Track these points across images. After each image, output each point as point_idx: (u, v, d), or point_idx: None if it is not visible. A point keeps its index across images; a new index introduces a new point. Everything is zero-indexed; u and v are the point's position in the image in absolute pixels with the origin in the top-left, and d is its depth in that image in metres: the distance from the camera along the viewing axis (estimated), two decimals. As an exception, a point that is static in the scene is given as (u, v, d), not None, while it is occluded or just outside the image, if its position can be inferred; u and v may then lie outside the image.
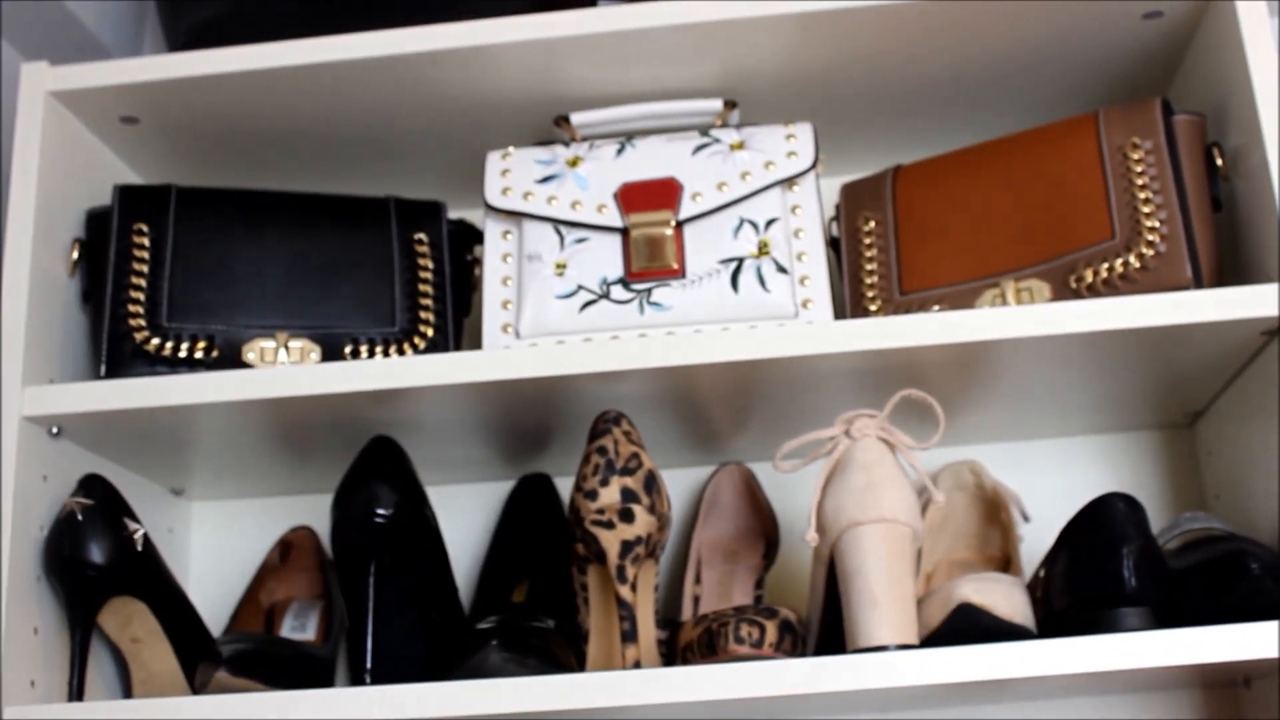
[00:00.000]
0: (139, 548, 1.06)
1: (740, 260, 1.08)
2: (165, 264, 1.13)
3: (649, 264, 1.08)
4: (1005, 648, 0.93)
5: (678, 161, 1.12)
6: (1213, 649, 0.92)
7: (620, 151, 1.13)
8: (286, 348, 1.11)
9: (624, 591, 0.99)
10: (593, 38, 1.11)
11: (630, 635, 0.98)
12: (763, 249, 1.09)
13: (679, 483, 1.28)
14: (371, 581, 1.06)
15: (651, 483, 1.01)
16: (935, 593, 0.99)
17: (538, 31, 1.11)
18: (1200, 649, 0.92)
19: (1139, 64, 1.19)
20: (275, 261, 1.14)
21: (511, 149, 1.15)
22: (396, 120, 1.20)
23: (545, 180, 1.12)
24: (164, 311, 1.11)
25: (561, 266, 1.10)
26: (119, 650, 1.12)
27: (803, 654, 1.01)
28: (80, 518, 1.04)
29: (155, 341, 1.10)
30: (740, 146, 1.12)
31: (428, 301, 1.15)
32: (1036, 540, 1.23)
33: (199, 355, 1.10)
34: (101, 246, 1.15)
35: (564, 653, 1.03)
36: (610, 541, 0.99)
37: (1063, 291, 1.05)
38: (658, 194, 1.10)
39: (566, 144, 1.15)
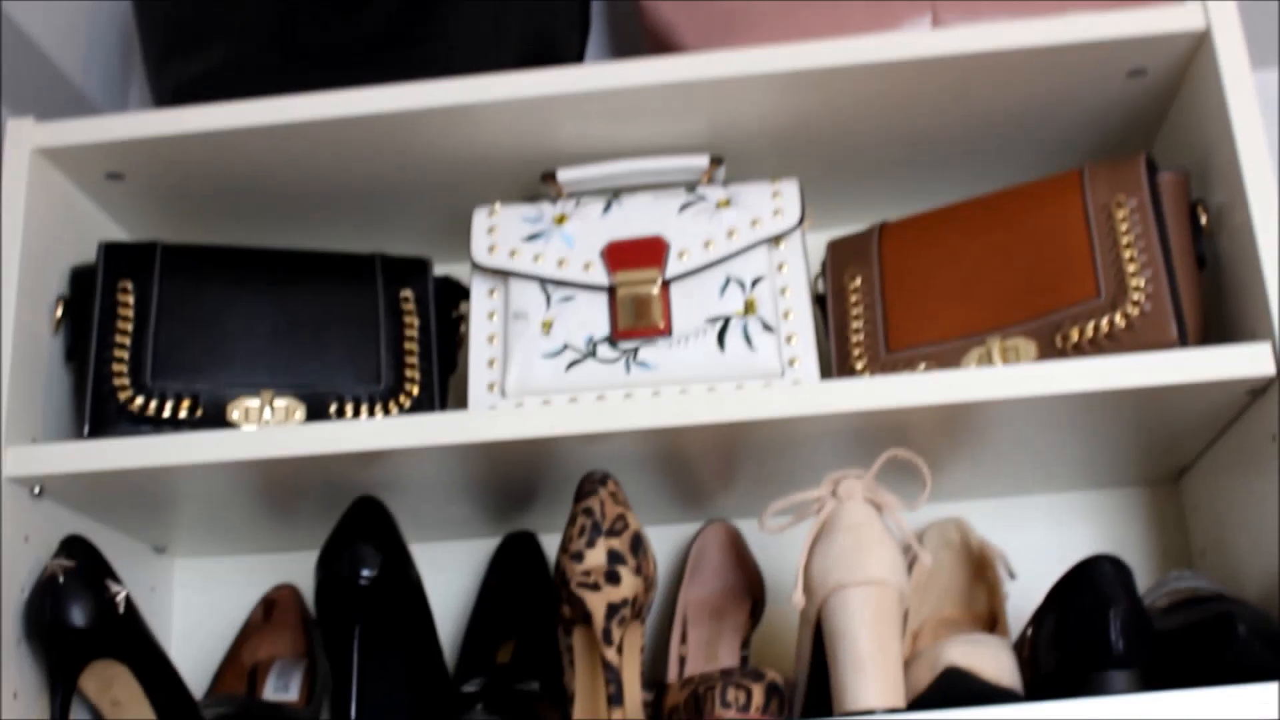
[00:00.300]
0: (121, 610, 1.05)
1: (727, 319, 1.08)
2: (150, 322, 1.12)
3: (635, 323, 1.08)
4: (993, 711, 0.92)
5: (664, 219, 1.12)
6: (1206, 710, 0.91)
7: (607, 209, 1.13)
8: (271, 406, 1.11)
9: (610, 654, 0.98)
10: (580, 96, 1.11)
11: (616, 699, 0.97)
12: (749, 307, 1.08)
13: (664, 540, 1.28)
14: (356, 644, 1.05)
15: (638, 544, 1.00)
16: (922, 655, 0.98)
17: (524, 89, 1.11)
18: (1193, 711, 0.91)
19: (1123, 120, 1.19)
20: (260, 319, 1.14)
21: (498, 206, 1.15)
22: (382, 176, 1.20)
23: (532, 238, 1.12)
24: (148, 370, 1.11)
25: (548, 325, 1.09)
26: (99, 713, 1.11)
27: (789, 717, 1.01)
28: (62, 580, 1.03)
29: (139, 401, 1.10)
30: (727, 204, 1.12)
31: (413, 359, 1.15)
32: (1023, 596, 1.22)
33: (183, 414, 1.10)
34: (86, 304, 1.14)
35: (550, 715, 1.02)
36: (596, 604, 0.99)
37: (1049, 350, 1.05)
38: (644, 252, 1.10)
39: (553, 200, 1.15)
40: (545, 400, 1.08)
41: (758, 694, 0.99)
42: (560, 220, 1.13)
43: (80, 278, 1.16)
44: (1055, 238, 1.08)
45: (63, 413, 1.16)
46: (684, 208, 1.12)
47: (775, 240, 1.12)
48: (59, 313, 1.15)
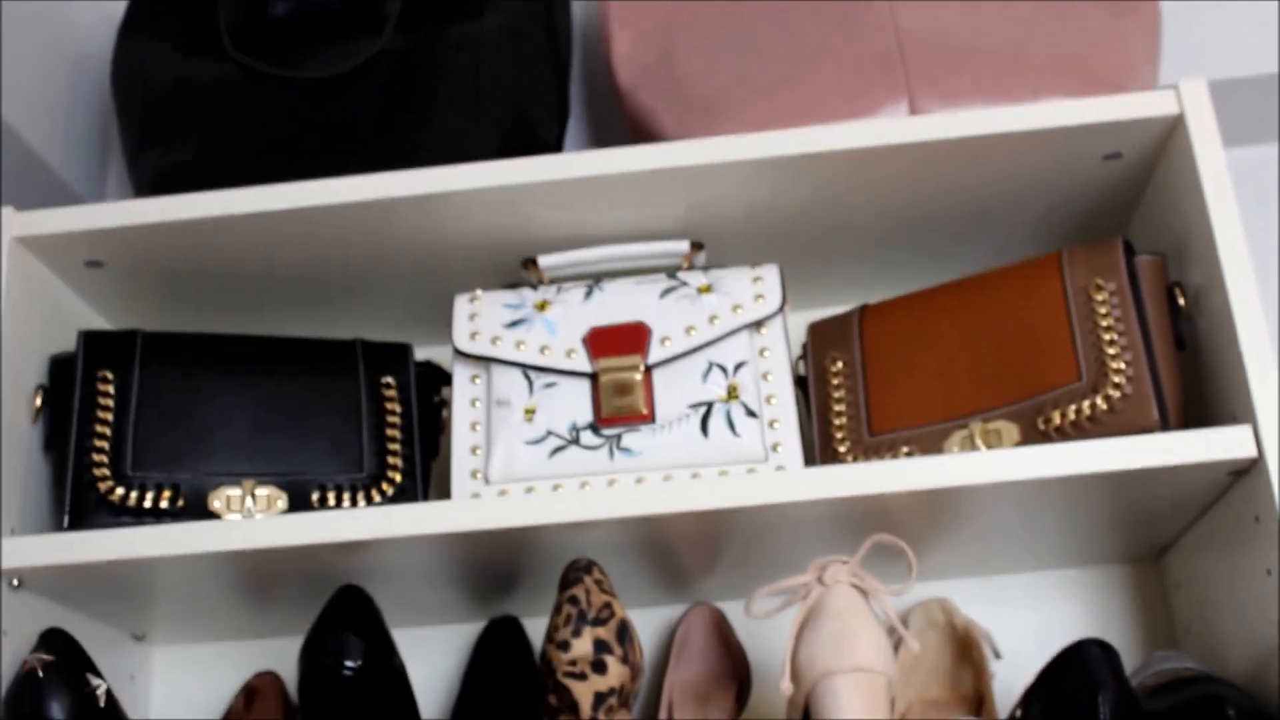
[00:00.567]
0: (101, 704, 1.04)
1: (710, 404, 1.08)
2: (130, 411, 1.12)
3: (619, 409, 1.08)
4: (984, 800, 0.92)
5: (646, 305, 1.12)
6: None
7: (588, 295, 1.13)
8: (253, 495, 1.10)
9: (597, 745, 0.97)
10: (560, 183, 1.11)
11: (604, 790, 0.97)
12: (732, 393, 1.09)
13: (648, 623, 1.27)
14: (340, 735, 1.04)
15: (624, 632, 1.00)
16: (912, 742, 0.98)
17: (504, 177, 1.11)
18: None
19: (1098, 202, 1.20)
20: (241, 407, 1.14)
21: (479, 292, 1.15)
22: (362, 263, 1.20)
23: (513, 325, 1.12)
24: (128, 460, 1.10)
25: (530, 412, 1.09)
26: (79, 808, 1.10)
27: (779, 805, 1.00)
28: (41, 675, 1.02)
29: (120, 491, 1.09)
30: (708, 289, 1.12)
31: (396, 446, 1.14)
32: (1009, 675, 1.22)
33: (164, 505, 1.09)
34: (65, 393, 1.14)
35: (536, 808, 1.01)
36: (583, 693, 0.98)
37: (1031, 433, 1.06)
38: (626, 338, 1.10)
39: (534, 286, 1.16)
40: (529, 487, 1.08)
41: (746, 784, 0.98)
42: (542, 307, 1.13)
43: (59, 366, 1.16)
44: (1035, 321, 1.09)
45: (41, 503, 1.15)
46: (665, 293, 1.12)
47: (757, 325, 1.12)
48: (38, 402, 1.14)
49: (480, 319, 1.13)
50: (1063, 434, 1.04)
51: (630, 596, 1.24)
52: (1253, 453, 1.00)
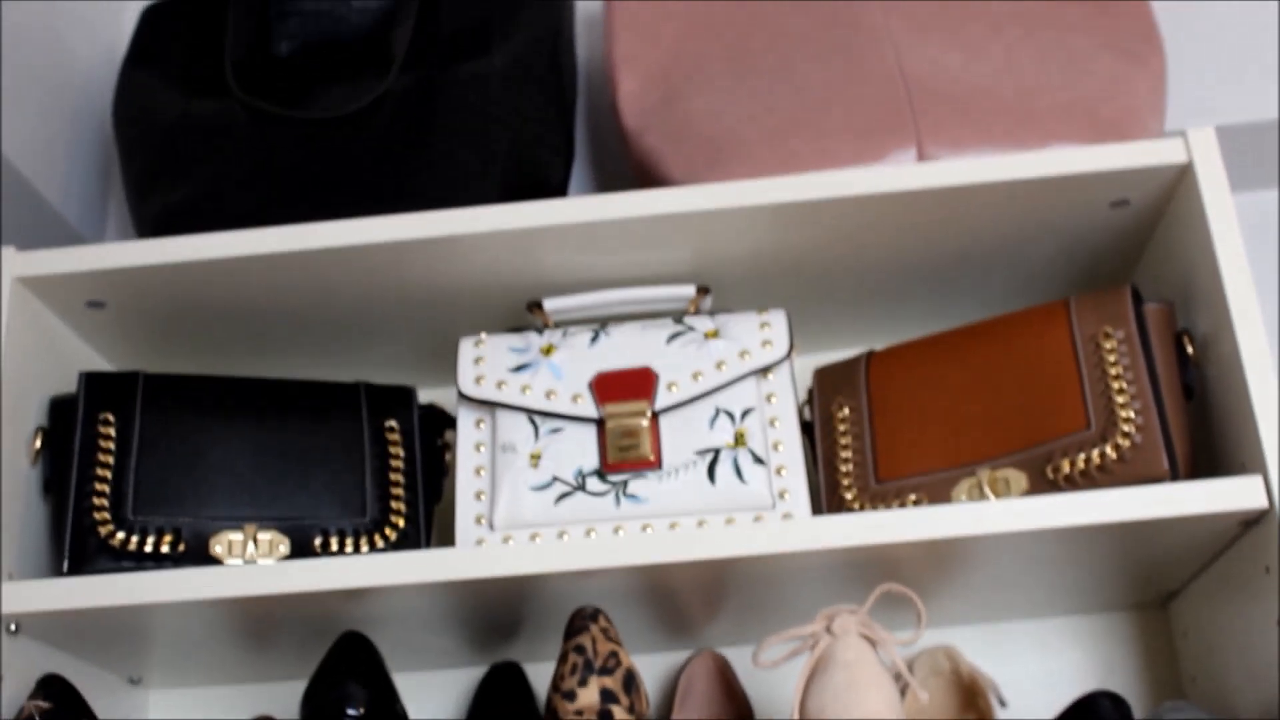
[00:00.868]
0: (100, 752, 1.03)
1: (717, 451, 1.08)
2: (131, 454, 1.11)
3: (625, 455, 1.08)
4: None
5: (652, 350, 1.11)
6: None
7: (594, 339, 1.13)
8: (255, 540, 1.09)
9: (603, 797, 0.96)
10: (566, 227, 1.11)
11: (610, 843, 0.96)
12: (739, 439, 1.08)
13: (651, 668, 1.26)
14: (342, 784, 1.03)
15: (630, 681, 0.99)
16: (921, 795, 0.97)
17: (509, 221, 1.11)
18: None
19: (1105, 248, 1.20)
20: (244, 450, 1.13)
21: (484, 335, 1.15)
22: (366, 305, 1.20)
23: (519, 369, 1.12)
24: (129, 504, 1.09)
25: (536, 457, 1.09)
26: None
27: None
28: (40, 723, 1.01)
29: (120, 536, 1.08)
30: (715, 335, 1.12)
31: (399, 491, 1.13)
32: (1014, 723, 1.21)
33: (165, 549, 1.08)
34: (65, 435, 1.13)
35: None
36: (589, 744, 0.97)
37: (1039, 481, 1.05)
38: (633, 384, 1.09)
39: (540, 330, 1.15)
40: (534, 534, 1.07)
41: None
42: (548, 351, 1.12)
43: (59, 408, 1.15)
44: (1043, 368, 1.08)
45: (40, 545, 1.14)
46: (672, 338, 1.12)
47: (764, 371, 1.11)
48: (37, 444, 1.14)
49: (485, 363, 1.12)
50: (1071, 483, 1.04)
51: (632, 641, 1.23)
52: (1263, 503, 0.99)
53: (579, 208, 1.11)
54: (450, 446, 1.20)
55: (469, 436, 1.12)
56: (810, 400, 1.18)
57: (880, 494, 1.10)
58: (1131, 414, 1.04)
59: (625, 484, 1.07)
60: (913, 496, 1.09)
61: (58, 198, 1.38)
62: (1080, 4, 1.23)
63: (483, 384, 1.12)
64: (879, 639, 0.98)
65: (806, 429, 1.18)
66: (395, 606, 1.08)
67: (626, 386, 1.10)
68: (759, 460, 1.07)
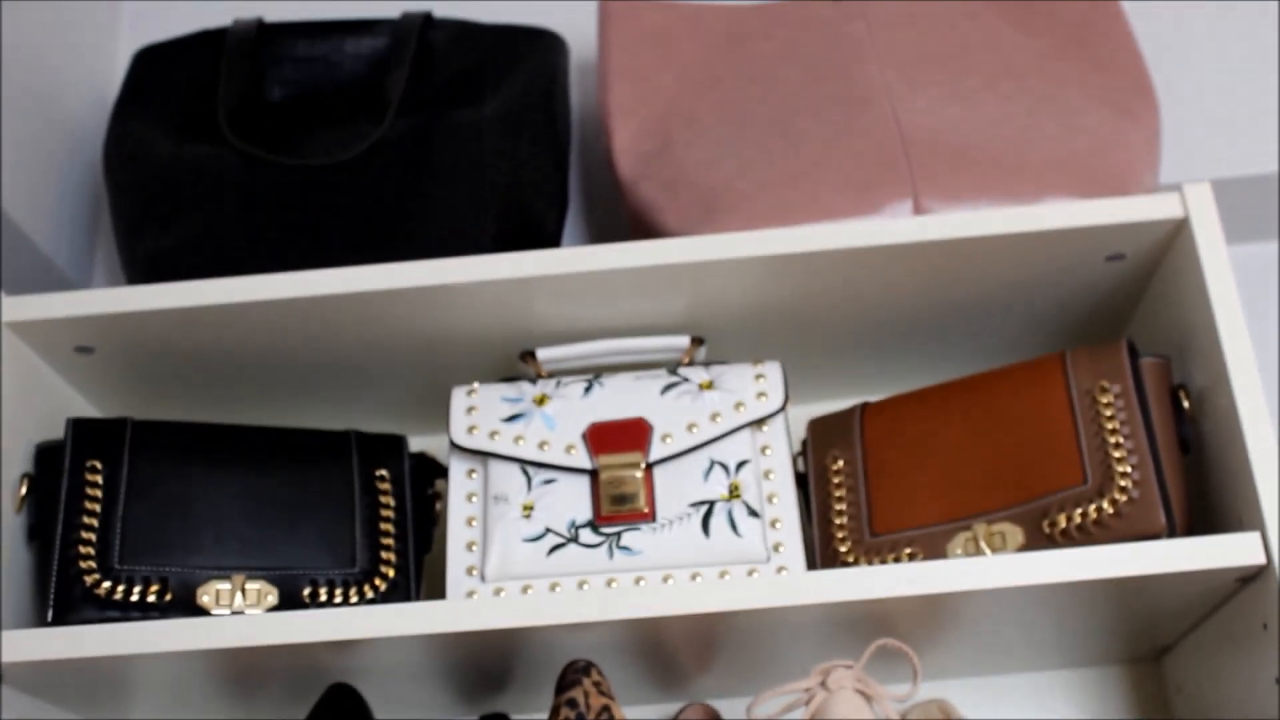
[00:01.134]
0: (83, 807, 1.01)
1: (711, 503, 1.07)
2: (119, 502, 1.10)
3: (619, 507, 1.07)
4: None
5: (647, 401, 1.11)
6: None
7: (588, 390, 1.12)
8: (243, 590, 1.08)
9: None
10: (559, 277, 1.10)
11: None
12: (734, 491, 1.07)
13: (641, 720, 1.25)
14: (329, 841, 1.02)
15: (623, 738, 0.98)
16: None
17: (503, 270, 1.10)
18: None
19: (1100, 301, 1.20)
20: (232, 499, 1.11)
21: (477, 385, 1.14)
22: (357, 354, 1.19)
23: (512, 419, 1.11)
24: (116, 552, 1.08)
25: (529, 508, 1.08)
26: None
27: None
28: (23, 777, 0.99)
29: (106, 585, 1.06)
30: (710, 386, 1.11)
31: (389, 541, 1.12)
32: (1007, 779, 1.21)
33: (151, 599, 1.07)
34: (52, 483, 1.11)
35: None
36: (581, 801, 0.96)
37: (1036, 535, 1.05)
38: (627, 435, 1.09)
39: (533, 380, 1.14)
40: (525, 586, 1.06)
41: None
42: (541, 401, 1.12)
43: (46, 455, 1.13)
44: (1039, 422, 1.08)
45: (23, 593, 1.12)
46: (667, 389, 1.11)
47: (759, 423, 1.11)
48: (23, 490, 1.12)
49: (478, 412, 1.12)
50: (1068, 537, 1.03)
51: (623, 693, 1.22)
52: (1261, 560, 0.99)
53: (573, 258, 1.10)
54: (441, 496, 1.19)
55: (461, 486, 1.11)
56: (804, 452, 1.18)
57: (875, 547, 1.09)
58: (1128, 469, 1.03)
59: (619, 536, 1.06)
60: (908, 550, 1.08)
61: (46, 241, 1.37)
62: (1074, 59, 1.24)
63: (475, 434, 1.11)
64: (874, 694, 0.98)
65: (800, 481, 1.17)
66: (384, 658, 1.07)
67: (621, 438, 1.09)
68: (753, 513, 1.06)
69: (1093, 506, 1.03)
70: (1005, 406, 1.09)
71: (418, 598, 1.13)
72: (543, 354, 1.15)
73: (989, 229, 1.08)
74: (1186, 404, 1.09)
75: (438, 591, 1.25)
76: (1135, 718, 1.24)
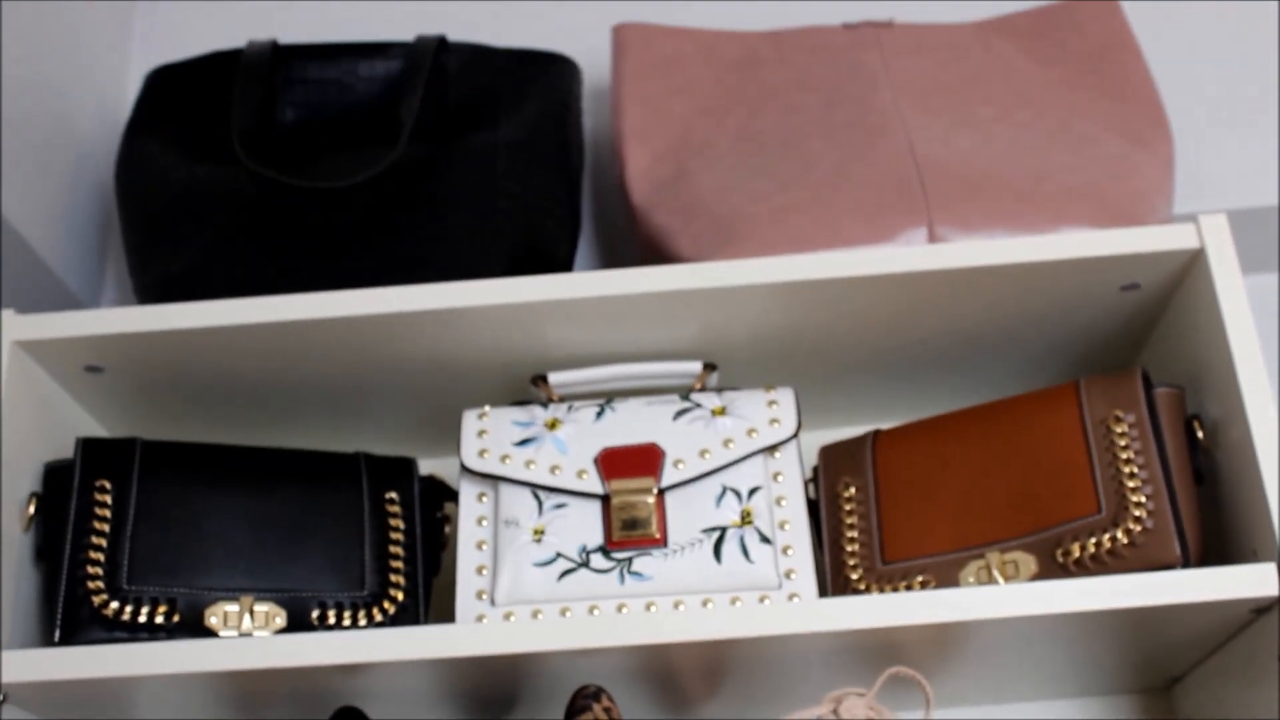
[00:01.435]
0: (89, 829, 1.00)
1: (723, 530, 1.06)
2: (127, 523, 1.09)
3: (630, 533, 1.06)
4: None
5: (659, 427, 1.10)
6: None
7: (600, 414, 1.12)
8: (251, 612, 1.08)
9: None
10: (571, 302, 1.10)
11: None
12: (745, 518, 1.07)
13: (648, 747, 1.25)
14: None
15: (633, 765, 0.98)
16: None
17: (514, 295, 1.10)
18: None
19: (1114, 330, 1.20)
20: (242, 520, 1.11)
21: (488, 408, 1.14)
22: (368, 376, 1.19)
23: (523, 443, 1.11)
24: (124, 573, 1.07)
25: (539, 532, 1.07)
26: None
27: None
28: (28, 798, 0.99)
29: (114, 605, 1.06)
30: (722, 412, 1.11)
31: (398, 564, 1.12)
32: (1016, 810, 1.20)
33: (159, 620, 1.06)
34: (60, 502, 1.11)
35: None
36: (590, 828, 0.95)
37: (1049, 564, 1.04)
38: (639, 461, 1.08)
39: (544, 404, 1.14)
40: (535, 610, 1.05)
41: None
42: (552, 425, 1.11)
43: (55, 474, 1.13)
44: (1053, 451, 1.07)
45: (30, 613, 1.12)
46: (679, 415, 1.11)
47: (771, 449, 1.11)
48: (31, 510, 1.12)
49: (489, 436, 1.11)
50: (1082, 567, 1.03)
51: (627, 713, 1.21)
52: (1275, 591, 0.98)
53: (586, 283, 1.10)
54: (450, 519, 1.19)
55: (471, 510, 1.11)
56: (815, 479, 1.17)
57: (887, 575, 1.09)
58: (1143, 499, 1.03)
59: (630, 561, 1.06)
60: (920, 578, 1.07)
61: (56, 260, 1.37)
62: (1088, 88, 1.24)
63: (486, 457, 1.10)
64: (886, 724, 0.97)
65: (811, 508, 1.17)
66: (393, 682, 1.07)
67: (632, 463, 1.08)
68: (765, 539, 1.06)
69: (1106, 536, 1.03)
70: (1019, 435, 1.09)
71: (426, 621, 1.13)
72: (555, 378, 1.15)
73: (1003, 258, 1.08)
74: (1200, 434, 1.08)
75: (445, 615, 1.24)
76: (1145, 749, 1.24)
